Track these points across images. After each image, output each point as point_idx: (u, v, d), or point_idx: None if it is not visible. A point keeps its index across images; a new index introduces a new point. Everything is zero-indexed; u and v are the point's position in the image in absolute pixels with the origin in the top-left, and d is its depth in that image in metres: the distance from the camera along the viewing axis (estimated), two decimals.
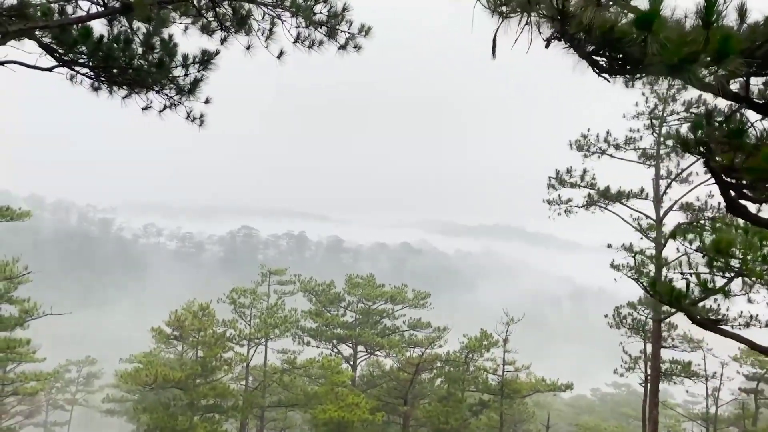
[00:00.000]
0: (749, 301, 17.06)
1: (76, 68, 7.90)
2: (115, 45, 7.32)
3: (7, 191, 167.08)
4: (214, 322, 31.98)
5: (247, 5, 7.72)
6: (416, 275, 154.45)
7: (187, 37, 8.86)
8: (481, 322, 37.29)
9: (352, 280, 38.83)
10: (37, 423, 49.02)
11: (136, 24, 7.93)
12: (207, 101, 8.88)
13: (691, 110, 21.98)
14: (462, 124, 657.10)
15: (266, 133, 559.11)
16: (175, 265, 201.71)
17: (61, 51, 7.59)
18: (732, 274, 7.98)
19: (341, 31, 8.04)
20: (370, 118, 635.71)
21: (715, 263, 7.99)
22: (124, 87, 8.68)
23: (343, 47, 8.12)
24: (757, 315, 19.19)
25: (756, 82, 6.15)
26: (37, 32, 6.96)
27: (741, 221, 11.25)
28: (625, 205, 23.24)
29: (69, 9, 7.50)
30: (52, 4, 7.18)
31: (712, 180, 18.75)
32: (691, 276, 8.12)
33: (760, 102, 5.21)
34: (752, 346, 7.49)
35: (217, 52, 7.79)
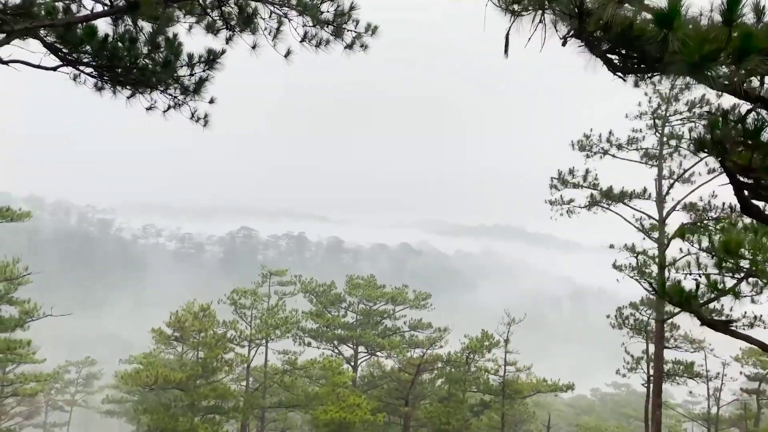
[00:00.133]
0: (752, 301, 17.00)
1: (81, 68, 7.82)
2: (120, 44, 7.25)
3: (6, 192, 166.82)
4: (215, 323, 31.91)
5: (253, 3, 7.66)
6: (416, 276, 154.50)
7: (191, 36, 8.78)
8: (482, 323, 37.24)
9: (353, 281, 38.77)
10: (37, 424, 48.93)
11: (141, 23, 7.87)
12: (211, 101, 8.81)
13: (694, 110, 21.97)
14: (462, 124, 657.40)
15: (270, 133, 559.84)
16: (175, 266, 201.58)
17: (65, 50, 7.51)
18: (742, 275, 7.93)
19: (348, 30, 7.98)
20: (370, 118, 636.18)
21: (724, 264, 7.93)
22: (128, 87, 8.61)
23: (349, 46, 8.06)
24: (761, 315, 19.16)
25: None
26: (41, 31, 6.89)
27: (747, 221, 11.19)
28: (627, 205, 23.18)
29: (73, 8, 7.42)
30: (56, 3, 7.11)
31: (714, 180, 18.64)
32: (700, 277, 8.06)
33: None
34: (764, 347, 7.43)
35: (223, 52, 7.72)
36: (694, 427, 49.37)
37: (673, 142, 22.56)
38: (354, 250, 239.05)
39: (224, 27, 8.14)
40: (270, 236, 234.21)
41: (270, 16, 7.69)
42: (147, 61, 7.65)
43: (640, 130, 23.41)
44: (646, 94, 23.14)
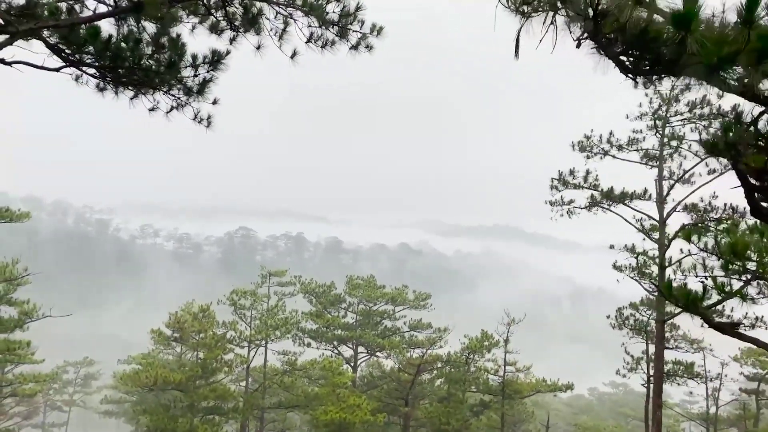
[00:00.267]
0: (753, 302, 16.96)
1: (83, 68, 7.76)
2: (123, 45, 7.18)
3: (4, 192, 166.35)
4: (214, 324, 31.83)
5: (258, 4, 7.60)
6: (416, 276, 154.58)
7: (193, 37, 8.72)
8: (481, 323, 37.22)
9: (353, 282, 38.71)
10: (35, 424, 48.82)
11: (143, 23, 7.80)
12: (215, 102, 8.75)
13: (695, 111, 21.96)
14: (462, 124, 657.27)
15: (273, 133, 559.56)
16: (173, 266, 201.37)
17: (68, 51, 7.45)
18: (748, 278, 7.89)
19: (353, 31, 7.92)
20: (370, 118, 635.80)
21: (730, 266, 7.89)
22: (130, 87, 8.55)
23: (354, 47, 8.00)
24: (762, 316, 19.16)
25: None
26: (45, 32, 6.82)
27: (750, 223, 11.16)
28: (628, 206, 23.15)
29: (76, 8, 7.36)
30: (59, 3, 7.05)
31: (715, 181, 18.59)
32: (706, 279, 8.02)
33: None
34: None
35: (228, 53, 7.66)
36: (692, 427, 49.43)
37: (674, 143, 22.54)
38: (353, 251, 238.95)
39: (228, 27, 8.07)
40: (268, 236, 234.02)
41: (275, 17, 7.63)
42: (151, 61, 7.58)
43: (641, 131, 23.39)
44: (646, 94, 23.15)
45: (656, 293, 23.31)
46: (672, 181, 22.99)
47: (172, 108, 8.96)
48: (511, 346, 32.86)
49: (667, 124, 22.99)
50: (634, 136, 23.28)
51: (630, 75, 5.05)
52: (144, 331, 35.64)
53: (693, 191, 22.06)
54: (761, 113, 5.19)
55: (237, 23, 7.93)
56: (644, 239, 23.55)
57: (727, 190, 20.27)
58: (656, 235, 22.96)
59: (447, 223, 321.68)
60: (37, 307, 27.28)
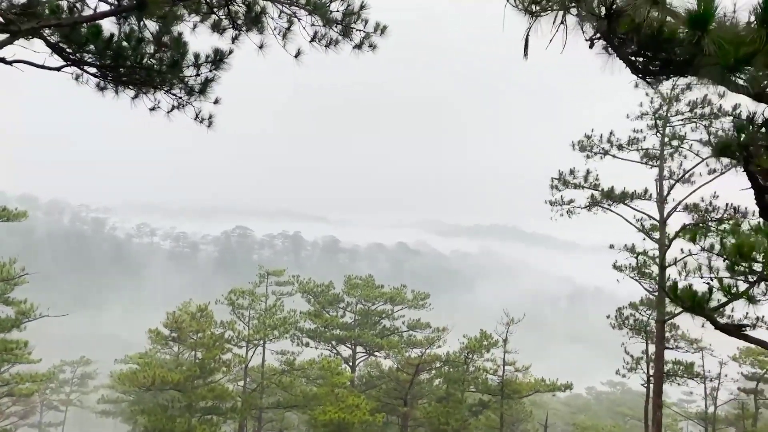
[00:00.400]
0: (759, 303, 16.93)
1: (84, 68, 7.67)
2: (125, 44, 7.10)
3: (2, 192, 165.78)
4: (212, 323, 31.74)
5: (262, 2, 7.52)
6: (415, 276, 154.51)
7: (195, 36, 8.64)
8: (480, 323, 37.18)
9: (351, 281, 38.65)
10: (32, 424, 48.66)
11: (144, 21, 7.72)
12: (216, 102, 8.67)
13: (695, 110, 21.93)
14: (462, 124, 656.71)
15: (275, 133, 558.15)
16: (170, 265, 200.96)
17: (69, 50, 7.36)
18: (754, 279, 7.86)
19: (356, 30, 7.85)
20: (371, 118, 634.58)
21: (736, 267, 7.85)
22: (131, 87, 8.46)
23: (358, 46, 7.93)
24: (763, 316, 19.15)
25: None
26: (46, 31, 6.74)
27: (753, 223, 11.12)
28: (628, 206, 23.12)
29: (78, 7, 7.27)
30: (60, 2, 6.96)
31: (715, 181, 18.53)
32: (712, 280, 7.98)
33: None
34: None
35: (231, 52, 7.58)
36: (690, 426, 49.49)
37: (675, 143, 22.52)
38: (351, 250, 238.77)
39: (230, 26, 7.99)
40: (265, 235, 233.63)
41: (279, 16, 7.56)
42: (152, 61, 7.50)
43: (641, 131, 23.36)
44: (647, 94, 23.10)
45: (656, 293, 23.30)
46: (672, 181, 22.97)
47: (173, 107, 8.87)
48: (510, 345, 32.84)
49: (668, 124, 22.97)
50: (635, 136, 23.27)
51: (641, 75, 4.99)
52: (141, 331, 35.54)
53: (693, 191, 22.05)
54: None
55: (239, 22, 7.85)
56: (644, 239, 23.54)
57: (727, 190, 20.29)
58: (656, 235, 22.93)
59: (446, 223, 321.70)
60: (35, 307, 27.16)
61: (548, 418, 40.54)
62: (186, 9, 8.16)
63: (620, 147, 23.42)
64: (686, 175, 22.65)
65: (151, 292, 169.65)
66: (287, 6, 7.52)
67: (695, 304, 7.58)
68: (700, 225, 19.76)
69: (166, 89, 8.51)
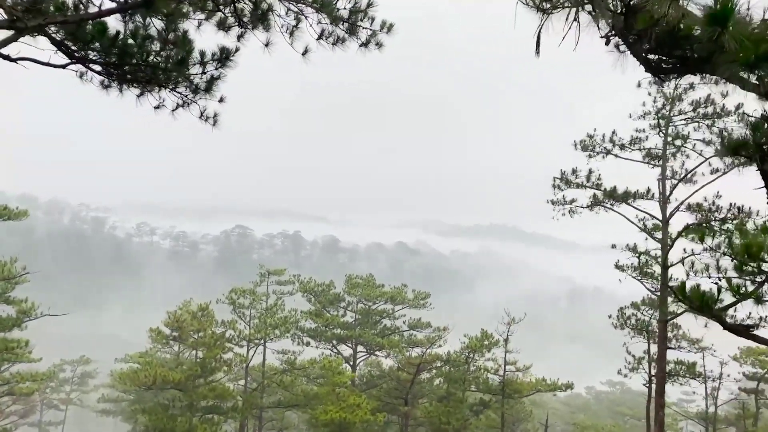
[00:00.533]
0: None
1: (90, 65, 7.62)
2: (131, 41, 7.05)
3: (2, 192, 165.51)
4: (213, 323, 31.71)
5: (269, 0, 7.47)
6: (414, 275, 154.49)
7: (199, 34, 8.59)
8: (481, 322, 37.18)
9: (352, 281, 38.62)
10: (32, 423, 48.64)
11: (150, 19, 7.67)
12: (221, 100, 8.62)
13: (698, 110, 21.88)
14: (462, 124, 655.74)
15: (278, 132, 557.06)
16: (170, 265, 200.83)
17: (74, 47, 7.31)
18: (763, 279, 7.81)
19: (363, 28, 7.80)
20: (371, 118, 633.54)
21: (744, 267, 7.81)
22: (135, 85, 8.41)
23: (364, 44, 7.88)
24: (766, 316, 19.08)
25: None
26: (51, 28, 6.69)
27: (759, 223, 11.07)
28: (630, 205, 23.07)
29: (83, 3, 7.21)
30: None
31: (717, 181, 18.45)
32: (720, 280, 7.94)
33: None
34: None
35: (237, 50, 7.53)
36: (689, 426, 49.49)
37: (678, 142, 22.48)
38: (350, 250, 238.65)
39: (236, 24, 7.93)
40: (265, 235, 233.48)
41: (286, 13, 7.51)
42: (158, 58, 7.45)
43: (643, 130, 23.32)
44: (649, 94, 23.06)
45: (658, 293, 23.25)
46: (675, 181, 22.92)
47: (177, 106, 8.82)
48: (510, 345, 32.84)
49: (671, 124, 22.92)
50: (637, 135, 23.22)
51: (653, 73, 4.95)
52: (141, 330, 35.49)
53: (696, 191, 22.00)
54: None
55: (245, 20, 7.79)
56: (646, 239, 23.48)
57: (730, 189, 20.26)
58: (659, 235, 22.89)
59: (446, 223, 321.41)
60: (36, 306, 27.12)
61: (548, 417, 40.54)
62: (191, 6, 8.11)
63: (622, 146, 23.37)
64: (689, 175, 22.61)
65: (151, 291, 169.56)
66: (294, 3, 7.47)
67: (703, 304, 7.54)
68: (704, 225, 19.71)
69: (171, 87, 8.45)
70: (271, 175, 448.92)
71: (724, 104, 20.87)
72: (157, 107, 8.86)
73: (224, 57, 7.51)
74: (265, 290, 35.68)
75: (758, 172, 5.13)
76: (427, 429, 33.86)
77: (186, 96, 8.60)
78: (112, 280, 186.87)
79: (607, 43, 4.32)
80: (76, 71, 8.22)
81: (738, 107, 19.93)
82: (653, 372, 25.56)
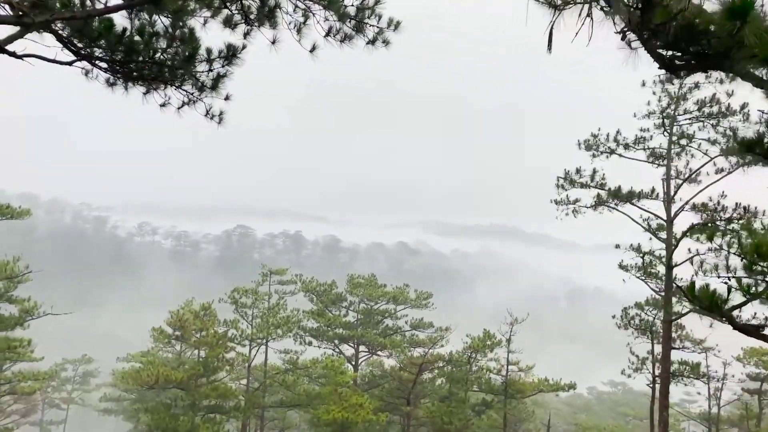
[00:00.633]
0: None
1: (95, 62, 7.57)
2: (138, 38, 7.00)
3: (2, 190, 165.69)
4: (216, 322, 31.70)
5: None
6: (414, 275, 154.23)
7: (205, 31, 8.54)
8: (481, 322, 37.13)
9: (354, 281, 38.59)
10: (34, 422, 48.69)
11: (156, 16, 7.62)
12: (227, 98, 8.57)
13: (703, 109, 21.80)
14: (462, 123, 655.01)
15: (281, 131, 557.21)
16: (171, 264, 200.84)
17: (80, 44, 7.26)
18: None
19: (370, 26, 7.75)
20: (376, 115, 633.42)
21: (754, 267, 7.76)
22: (141, 82, 8.36)
23: (371, 42, 7.83)
24: None
25: None
26: (58, 24, 6.65)
27: (765, 222, 11.02)
28: (635, 205, 23.00)
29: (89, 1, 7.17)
30: None
31: (722, 181, 18.38)
32: (729, 280, 7.89)
33: None
34: None
35: (244, 47, 7.48)
36: (691, 426, 49.39)
37: (683, 142, 22.40)
38: (351, 249, 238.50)
39: (243, 21, 7.89)
40: (266, 234, 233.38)
41: (294, 11, 7.46)
42: (165, 56, 7.40)
43: (648, 130, 23.24)
44: (654, 93, 22.97)
45: (663, 293, 23.18)
46: (679, 181, 22.84)
47: (183, 104, 8.77)
48: (513, 345, 32.81)
49: (676, 123, 22.84)
50: (642, 135, 23.14)
51: (667, 69, 4.90)
52: (142, 329, 35.47)
53: (701, 190, 21.94)
54: None
55: (252, 17, 7.75)
56: (651, 239, 23.41)
57: (735, 189, 20.19)
58: (663, 235, 22.81)
59: (446, 223, 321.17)
60: (38, 305, 27.10)
61: (550, 417, 40.47)
62: (197, 3, 8.06)
63: (627, 146, 23.29)
64: (693, 175, 22.54)
65: (152, 291, 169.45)
66: (301, 1, 7.42)
67: (713, 304, 7.48)
68: (709, 224, 19.66)
69: (177, 85, 8.40)
70: (272, 175, 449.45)
71: (729, 103, 20.80)
72: (162, 105, 8.81)
73: (231, 54, 7.46)
74: (267, 290, 35.68)
75: None
76: (429, 429, 33.82)
77: (192, 94, 8.55)
78: (113, 280, 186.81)
79: (623, 38, 4.27)
80: (82, 69, 8.18)
81: (743, 106, 19.87)
82: (657, 372, 25.48)
